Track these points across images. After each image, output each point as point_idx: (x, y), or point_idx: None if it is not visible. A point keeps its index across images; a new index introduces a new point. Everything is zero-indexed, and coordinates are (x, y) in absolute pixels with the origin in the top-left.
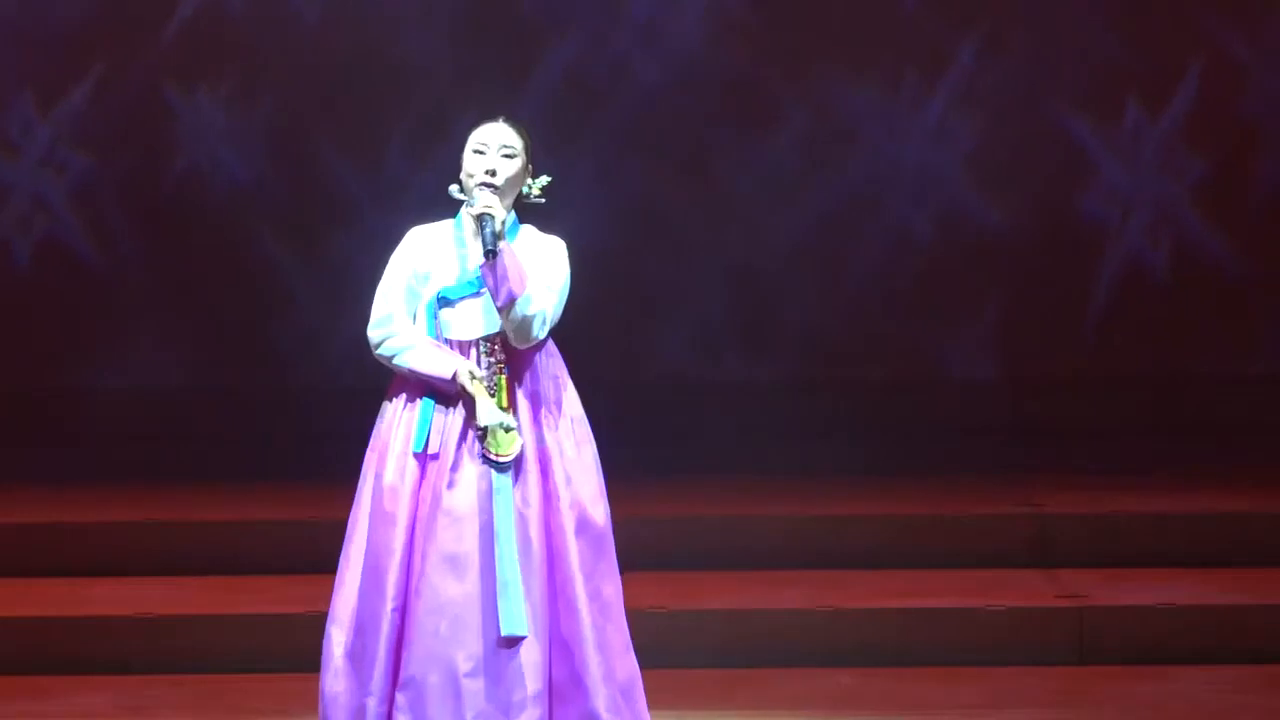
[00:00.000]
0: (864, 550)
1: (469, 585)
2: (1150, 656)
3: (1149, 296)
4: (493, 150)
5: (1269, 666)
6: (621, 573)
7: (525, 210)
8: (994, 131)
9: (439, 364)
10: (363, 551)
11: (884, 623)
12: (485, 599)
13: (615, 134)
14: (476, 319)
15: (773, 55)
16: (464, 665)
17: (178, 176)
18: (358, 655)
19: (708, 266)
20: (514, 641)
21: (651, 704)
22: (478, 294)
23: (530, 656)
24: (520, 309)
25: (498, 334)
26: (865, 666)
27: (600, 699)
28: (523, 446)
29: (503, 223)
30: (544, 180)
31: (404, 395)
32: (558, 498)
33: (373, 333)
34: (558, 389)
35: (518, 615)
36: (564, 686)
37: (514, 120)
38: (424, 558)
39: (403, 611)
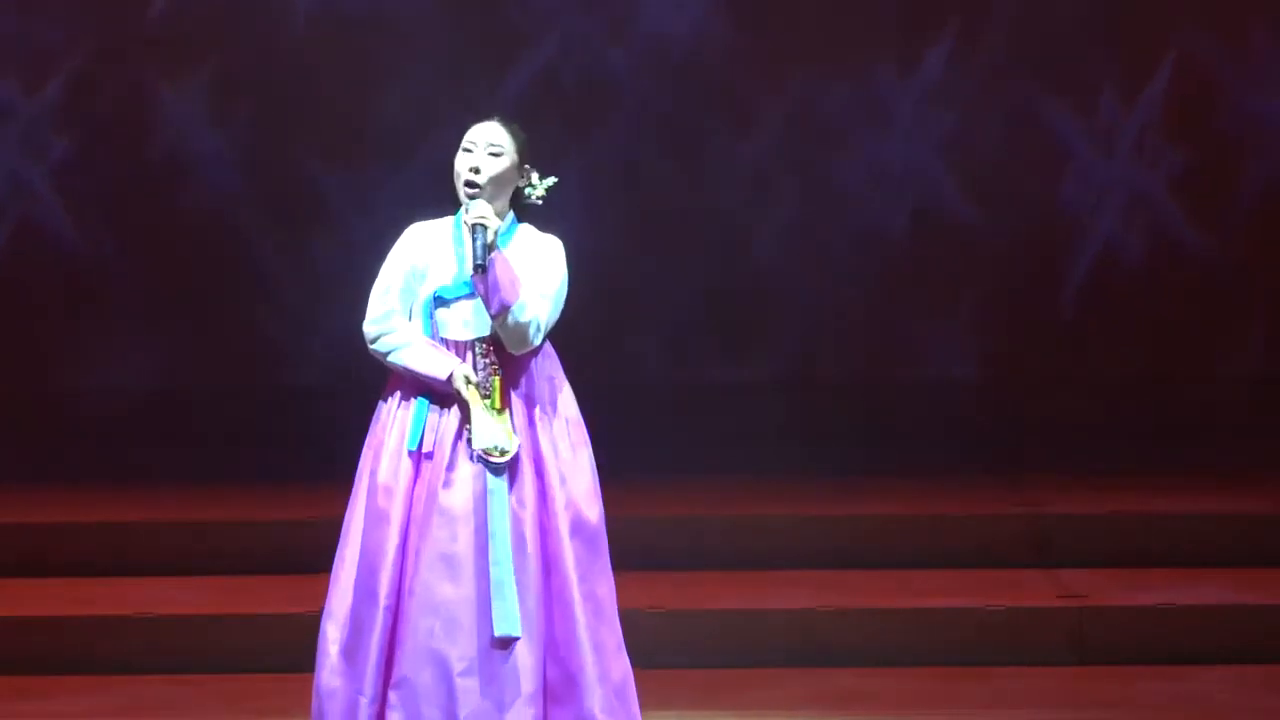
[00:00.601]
0: (864, 550)
1: (463, 585)
2: (1150, 656)
3: (1125, 286)
4: (480, 149)
5: (1269, 666)
6: (619, 573)
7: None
8: (971, 124)
9: (435, 364)
10: (357, 549)
11: (884, 623)
12: (479, 599)
13: (596, 136)
14: (472, 320)
15: (748, 54)
16: (458, 665)
17: (157, 163)
18: (351, 652)
19: (690, 266)
20: (508, 642)
21: (649, 704)
22: (474, 295)
23: (524, 657)
24: (513, 317)
25: (493, 335)
26: (865, 666)
27: (595, 699)
28: (518, 447)
29: (495, 232)
30: (550, 181)
31: (399, 393)
32: (552, 499)
33: (369, 328)
34: (553, 390)
35: (511, 616)
36: (558, 687)
37: (506, 119)
38: (418, 557)
39: (395, 610)
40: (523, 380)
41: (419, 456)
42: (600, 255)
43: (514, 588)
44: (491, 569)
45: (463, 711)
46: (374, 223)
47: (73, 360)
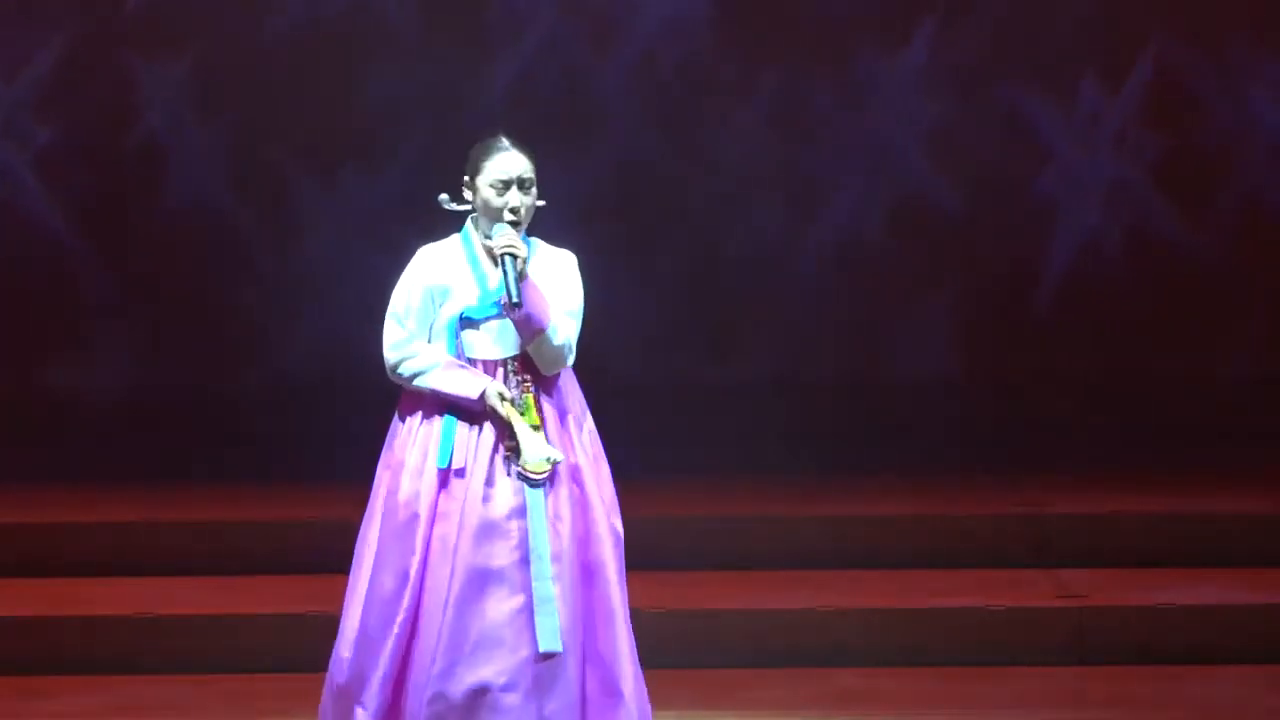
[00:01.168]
0: (864, 550)
1: (503, 601)
2: (1150, 656)
3: (1107, 280)
4: (514, 187)
5: (1269, 666)
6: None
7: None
8: (951, 112)
9: (465, 385)
10: (372, 569)
11: (884, 623)
12: (519, 615)
13: (573, 139)
14: (501, 339)
15: (730, 47)
16: (498, 680)
17: (137, 147)
18: (359, 671)
19: (670, 266)
20: (549, 656)
21: (652, 704)
22: (501, 315)
23: (564, 670)
24: (547, 343)
25: (523, 353)
26: (865, 666)
27: (634, 709)
28: (562, 462)
29: (524, 260)
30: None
31: (420, 412)
32: (593, 508)
33: (390, 354)
34: (572, 401)
35: (554, 632)
36: (599, 696)
37: (519, 141)
38: (452, 573)
39: (411, 625)
40: (553, 394)
41: (448, 474)
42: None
43: (555, 603)
44: (534, 585)
45: None
46: (353, 215)
47: (54, 357)
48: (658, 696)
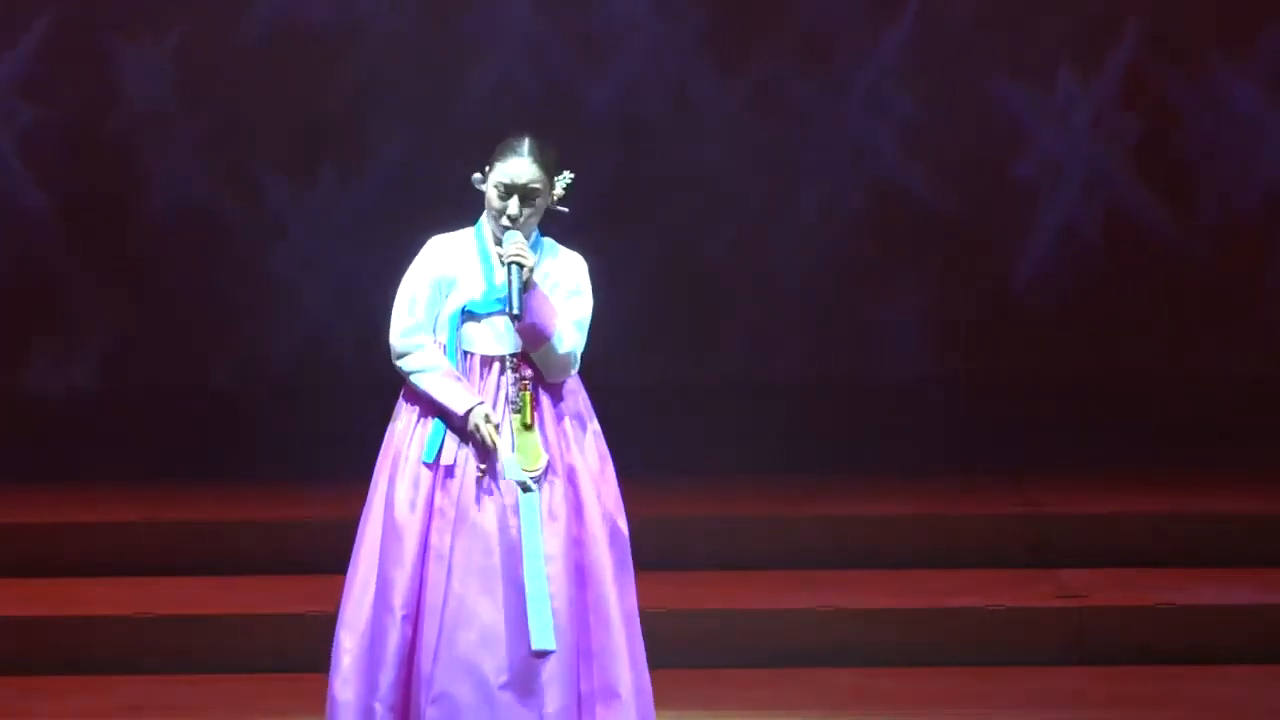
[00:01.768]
0: (864, 550)
1: (498, 599)
2: (1150, 656)
3: (1083, 263)
4: (517, 193)
5: (1269, 666)
6: None
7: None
8: (928, 101)
9: (456, 398)
10: (375, 560)
11: (884, 623)
12: (514, 612)
13: (551, 139)
14: (503, 336)
15: (707, 34)
16: (497, 678)
17: (119, 129)
18: (367, 662)
19: (649, 266)
20: (543, 655)
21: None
22: (504, 310)
23: (559, 669)
24: (551, 351)
25: (524, 351)
26: (865, 666)
27: (632, 711)
28: (549, 461)
29: (531, 270)
30: (567, 180)
31: (418, 408)
32: (588, 509)
33: (396, 342)
34: (576, 403)
35: (546, 630)
36: (595, 699)
37: (538, 149)
38: (449, 571)
39: (414, 621)
40: (555, 394)
41: (436, 468)
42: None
43: (548, 601)
44: (526, 583)
45: None
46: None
47: (26, 356)
48: (658, 696)
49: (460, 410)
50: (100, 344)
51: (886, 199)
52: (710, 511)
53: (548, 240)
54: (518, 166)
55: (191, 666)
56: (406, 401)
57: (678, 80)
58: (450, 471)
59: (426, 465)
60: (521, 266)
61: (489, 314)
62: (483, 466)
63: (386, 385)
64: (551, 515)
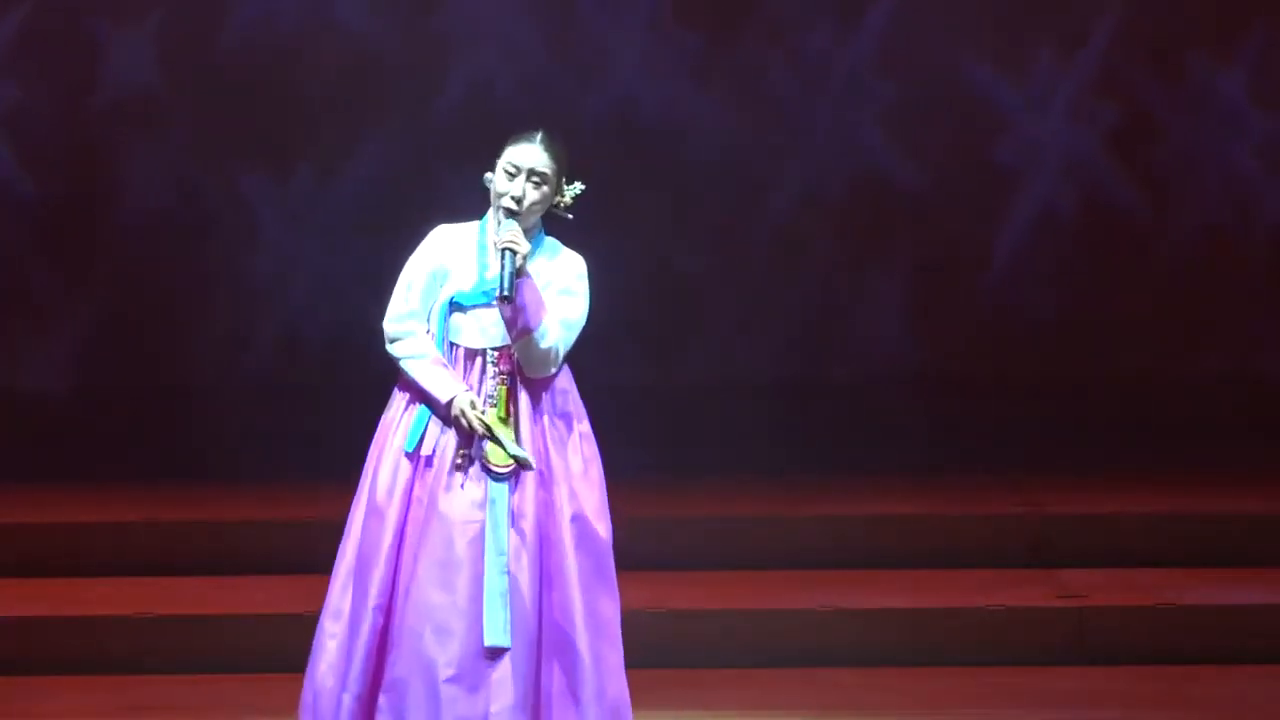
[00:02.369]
0: (864, 550)
1: (457, 592)
2: (1150, 656)
3: (1061, 245)
4: (522, 176)
5: (1269, 666)
6: (621, 572)
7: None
8: (907, 86)
9: (440, 386)
10: (356, 548)
11: (884, 623)
12: (471, 606)
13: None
14: (488, 329)
15: (689, 19)
16: (444, 671)
17: (102, 111)
18: (345, 650)
19: (627, 268)
20: (496, 652)
21: (651, 704)
22: (491, 304)
23: (512, 668)
24: (534, 344)
25: (507, 346)
26: (865, 666)
27: (591, 717)
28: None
29: (524, 257)
30: (576, 189)
31: (407, 396)
32: (559, 510)
33: (389, 327)
34: (565, 402)
35: (501, 626)
36: (554, 701)
37: (550, 140)
38: (415, 561)
39: (386, 611)
40: (536, 392)
41: (417, 458)
42: None
43: (506, 598)
44: (486, 578)
45: (446, 718)
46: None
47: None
48: (658, 696)
49: (444, 398)
50: (71, 342)
51: (867, 187)
52: (710, 511)
53: (549, 239)
54: (528, 151)
55: (191, 666)
56: (399, 391)
57: (654, 71)
58: (430, 461)
59: (408, 455)
60: (514, 254)
61: (475, 306)
62: (463, 452)
63: (380, 381)
64: (520, 513)
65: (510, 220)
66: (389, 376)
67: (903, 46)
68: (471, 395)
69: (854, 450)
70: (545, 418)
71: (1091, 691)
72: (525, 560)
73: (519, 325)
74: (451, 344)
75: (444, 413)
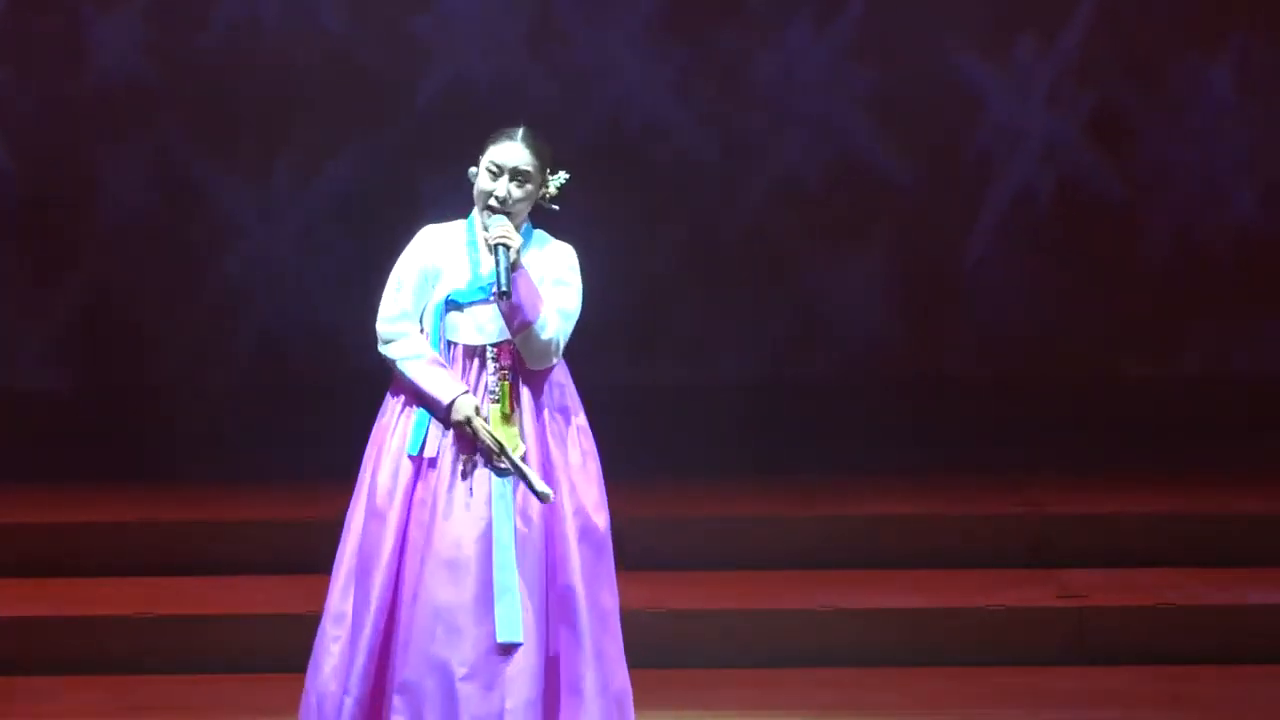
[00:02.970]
0: (864, 550)
1: (466, 590)
2: (1150, 656)
3: (1040, 232)
4: (505, 175)
5: (1269, 666)
6: (621, 572)
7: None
8: (888, 72)
9: (440, 386)
10: (356, 549)
11: (884, 623)
12: (482, 604)
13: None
14: (486, 325)
15: (662, 16)
16: (459, 670)
17: (80, 110)
18: (347, 653)
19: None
20: (509, 648)
21: (651, 704)
22: (488, 300)
23: (525, 664)
24: (534, 336)
25: (506, 341)
26: (865, 666)
27: (595, 709)
28: (525, 454)
29: (517, 251)
30: (561, 179)
31: (404, 396)
32: (560, 504)
33: (381, 327)
34: (563, 396)
35: (514, 622)
36: (559, 695)
37: (532, 137)
38: (422, 561)
39: (388, 613)
40: (536, 386)
41: (419, 460)
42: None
43: (518, 593)
44: (495, 574)
45: (464, 717)
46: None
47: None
48: (658, 696)
49: (445, 399)
50: (50, 343)
51: (846, 174)
52: (710, 511)
53: (538, 231)
54: (510, 149)
55: (191, 666)
56: (392, 394)
57: (632, 62)
58: (433, 463)
59: (410, 457)
60: (508, 248)
61: (472, 303)
62: (465, 457)
63: (373, 380)
64: (524, 508)
65: (500, 217)
66: (374, 375)
67: (883, 34)
68: (473, 398)
69: (854, 450)
70: (546, 412)
71: (1091, 691)
72: (532, 555)
73: (518, 319)
74: (449, 342)
75: (444, 414)
